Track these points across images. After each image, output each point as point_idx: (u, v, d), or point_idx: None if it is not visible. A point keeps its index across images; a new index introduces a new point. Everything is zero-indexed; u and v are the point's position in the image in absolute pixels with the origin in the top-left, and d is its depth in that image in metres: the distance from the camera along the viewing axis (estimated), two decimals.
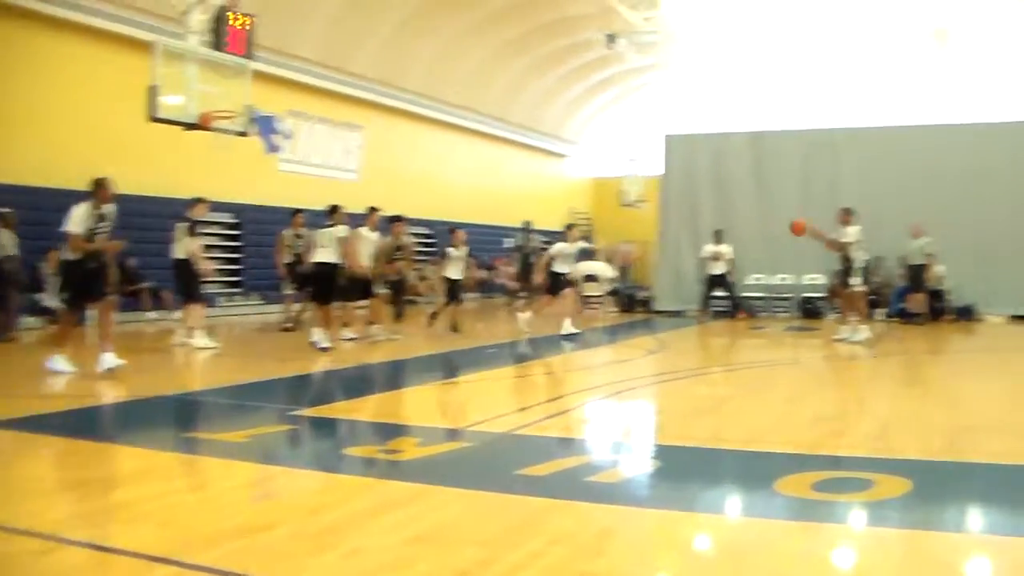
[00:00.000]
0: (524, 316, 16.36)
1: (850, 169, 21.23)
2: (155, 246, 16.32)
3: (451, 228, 18.51)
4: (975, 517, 5.20)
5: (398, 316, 16.68)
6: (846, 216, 15.36)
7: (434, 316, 16.93)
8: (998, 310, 20.42)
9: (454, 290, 16.85)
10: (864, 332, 14.94)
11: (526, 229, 27.62)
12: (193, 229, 14.47)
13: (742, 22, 22.71)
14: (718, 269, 20.16)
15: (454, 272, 16.81)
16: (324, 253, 14.19)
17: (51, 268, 16.97)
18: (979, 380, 11.25)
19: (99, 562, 4.20)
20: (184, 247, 14.30)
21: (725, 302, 20.76)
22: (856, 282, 15.22)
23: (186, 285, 14.37)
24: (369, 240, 15.21)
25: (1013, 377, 11.08)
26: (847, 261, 15.30)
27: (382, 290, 15.59)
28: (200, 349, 13.78)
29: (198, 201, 15.10)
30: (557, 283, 16.21)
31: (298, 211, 17.43)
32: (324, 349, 13.14)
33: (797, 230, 15.58)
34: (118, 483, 5.81)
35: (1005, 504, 5.36)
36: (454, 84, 31.96)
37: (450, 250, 16.93)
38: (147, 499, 5.34)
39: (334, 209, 14.53)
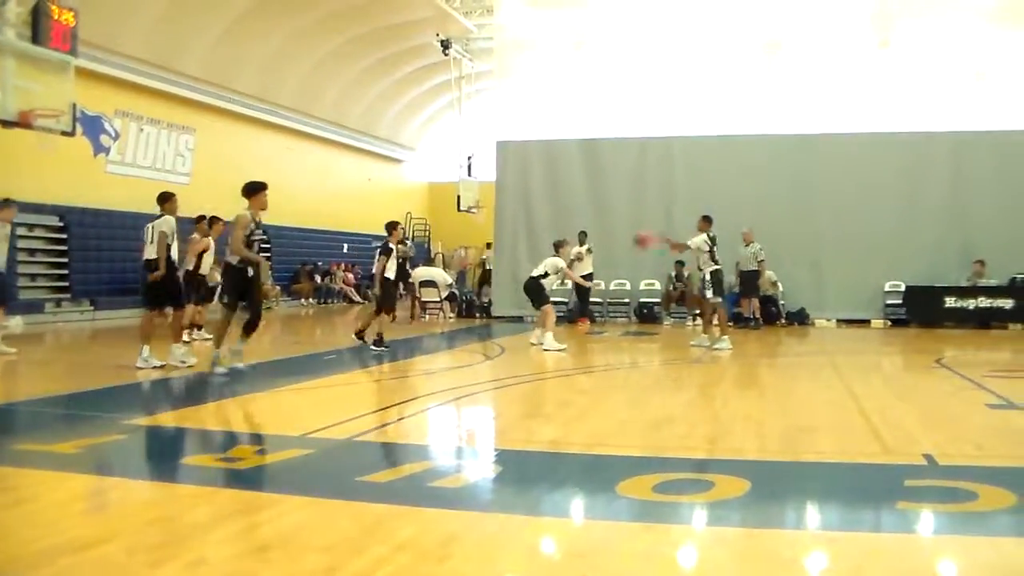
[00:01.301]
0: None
1: (683, 176, 21.77)
2: None
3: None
4: (812, 514, 5.40)
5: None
6: (702, 223, 15.54)
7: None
8: (828, 314, 21.33)
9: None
10: (726, 341, 15.11)
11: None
12: None
13: (578, 30, 22.98)
14: (584, 270, 20.37)
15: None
16: (149, 250, 12.43)
17: None
18: (811, 382, 11.61)
19: None
20: None
21: (573, 306, 21.02)
22: (708, 294, 15.47)
23: None
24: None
25: (842, 379, 11.47)
26: (700, 271, 15.57)
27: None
28: None
29: (5, 203, 14.06)
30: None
31: None
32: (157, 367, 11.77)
33: (643, 244, 15.77)
34: None
35: (839, 501, 5.57)
36: (288, 87, 31.64)
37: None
38: None
39: (164, 198, 12.88)
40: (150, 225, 12.60)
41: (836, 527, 5.03)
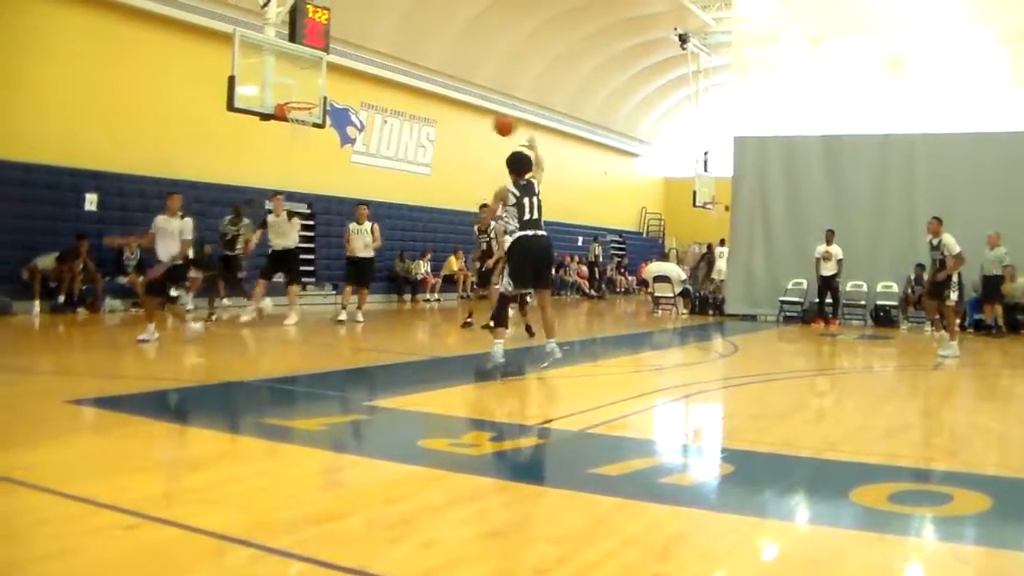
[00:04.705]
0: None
1: (925, 174, 20.90)
2: None
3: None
4: None
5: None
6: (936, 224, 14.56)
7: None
8: None
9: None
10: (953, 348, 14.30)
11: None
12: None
13: (818, 23, 22.43)
14: (828, 270, 20.00)
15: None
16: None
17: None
18: None
19: (183, 540, 4.27)
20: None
21: (828, 306, 20.58)
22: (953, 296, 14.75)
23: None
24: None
25: None
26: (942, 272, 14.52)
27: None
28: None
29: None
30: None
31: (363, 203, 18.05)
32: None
33: (503, 130, 11.78)
34: (197, 464, 5.89)
35: None
36: (526, 81, 32.07)
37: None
38: (227, 482, 5.44)
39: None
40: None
41: None
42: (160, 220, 12.63)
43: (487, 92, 30.22)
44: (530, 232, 10.38)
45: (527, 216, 10.39)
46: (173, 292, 12.55)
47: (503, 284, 10.29)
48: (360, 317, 17.12)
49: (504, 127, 11.61)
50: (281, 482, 5.50)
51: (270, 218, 16.45)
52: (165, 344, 11.99)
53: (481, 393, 9.38)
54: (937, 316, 15.34)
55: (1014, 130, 20.07)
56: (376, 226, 17.31)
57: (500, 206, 11.02)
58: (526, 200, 10.45)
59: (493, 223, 15.34)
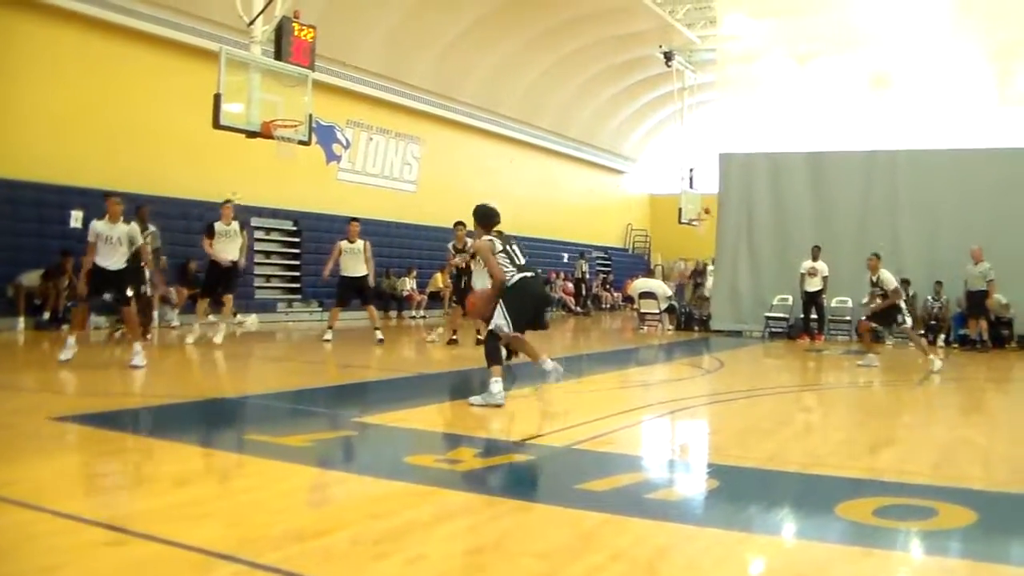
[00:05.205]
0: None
1: (910, 190, 20.99)
2: None
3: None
4: None
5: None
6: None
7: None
8: None
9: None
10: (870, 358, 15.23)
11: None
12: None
13: (801, 41, 22.57)
14: (814, 286, 20.07)
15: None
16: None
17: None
18: None
19: (169, 556, 4.27)
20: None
21: (813, 322, 20.64)
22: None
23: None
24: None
25: None
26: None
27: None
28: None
29: (226, 203, 15.72)
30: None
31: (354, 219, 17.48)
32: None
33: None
34: (183, 481, 5.88)
35: None
36: (511, 98, 32.18)
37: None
38: (212, 498, 5.43)
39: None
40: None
41: None
42: (100, 226, 11.68)
43: (472, 110, 30.32)
44: (530, 274, 10.22)
45: (519, 261, 10.24)
46: (129, 292, 11.89)
47: (497, 324, 10.06)
48: (380, 336, 16.58)
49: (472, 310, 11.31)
50: (267, 498, 5.50)
51: (218, 225, 15.64)
52: (152, 362, 11.92)
53: (467, 410, 9.36)
54: (868, 337, 15.99)
55: (999, 147, 20.19)
56: (368, 244, 16.86)
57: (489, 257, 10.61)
58: (510, 247, 10.28)
59: (469, 240, 15.27)
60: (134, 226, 11.99)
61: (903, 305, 15.40)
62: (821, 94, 22.45)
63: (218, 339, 15.29)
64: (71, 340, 11.61)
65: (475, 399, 9.35)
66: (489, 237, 10.02)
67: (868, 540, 4.89)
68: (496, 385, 9.35)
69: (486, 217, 10.18)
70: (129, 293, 11.91)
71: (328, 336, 16.64)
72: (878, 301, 15.29)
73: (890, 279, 15.12)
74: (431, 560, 4.39)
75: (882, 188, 21.38)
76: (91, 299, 12.17)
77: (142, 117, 19.76)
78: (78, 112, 18.68)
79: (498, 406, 9.18)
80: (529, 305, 9.99)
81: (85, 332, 12.01)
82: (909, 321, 15.45)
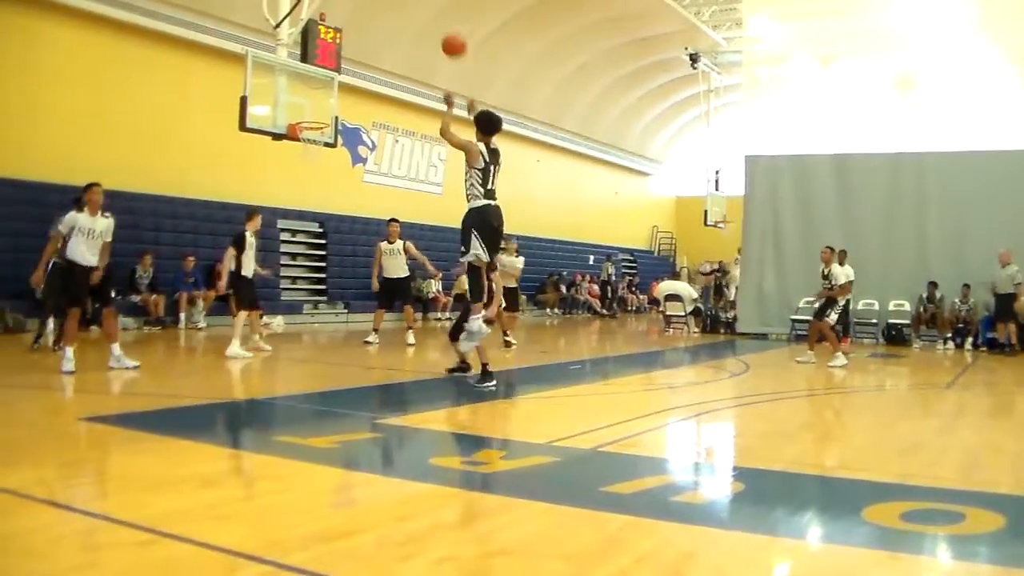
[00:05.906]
0: None
1: (937, 192, 20.89)
2: None
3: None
4: None
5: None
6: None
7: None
8: None
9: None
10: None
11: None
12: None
13: (828, 43, 22.49)
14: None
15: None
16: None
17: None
18: None
19: (197, 556, 4.29)
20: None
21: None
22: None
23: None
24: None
25: None
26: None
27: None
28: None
29: (253, 212, 14.87)
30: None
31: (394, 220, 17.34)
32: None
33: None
34: (211, 481, 5.91)
35: None
36: (537, 100, 32.18)
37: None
38: (239, 499, 5.47)
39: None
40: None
41: None
42: (82, 219, 11.05)
43: (498, 112, 30.24)
44: (493, 202, 10.13)
45: (490, 185, 10.17)
46: (112, 292, 11.73)
47: (475, 253, 9.95)
48: (411, 339, 16.62)
49: (453, 46, 10.95)
50: (293, 499, 5.52)
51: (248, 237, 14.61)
52: (163, 364, 11.97)
53: (491, 411, 9.38)
54: (815, 337, 16.25)
55: None
56: (410, 244, 16.81)
57: (467, 161, 10.46)
58: (492, 168, 10.23)
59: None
60: (112, 220, 11.34)
61: (841, 301, 15.88)
62: (847, 96, 22.38)
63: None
64: (69, 352, 10.93)
65: (463, 343, 10.15)
66: (481, 147, 10.30)
67: (895, 544, 4.86)
68: (475, 323, 9.65)
69: (488, 124, 10.52)
70: (113, 294, 11.80)
71: (371, 338, 16.56)
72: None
73: (839, 274, 15.62)
74: (456, 562, 4.39)
75: (908, 190, 21.28)
76: (79, 303, 11.51)
77: (168, 120, 19.88)
78: (103, 115, 18.80)
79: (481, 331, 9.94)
80: (492, 234, 10.11)
81: (114, 334, 11.85)
82: (834, 317, 15.83)
